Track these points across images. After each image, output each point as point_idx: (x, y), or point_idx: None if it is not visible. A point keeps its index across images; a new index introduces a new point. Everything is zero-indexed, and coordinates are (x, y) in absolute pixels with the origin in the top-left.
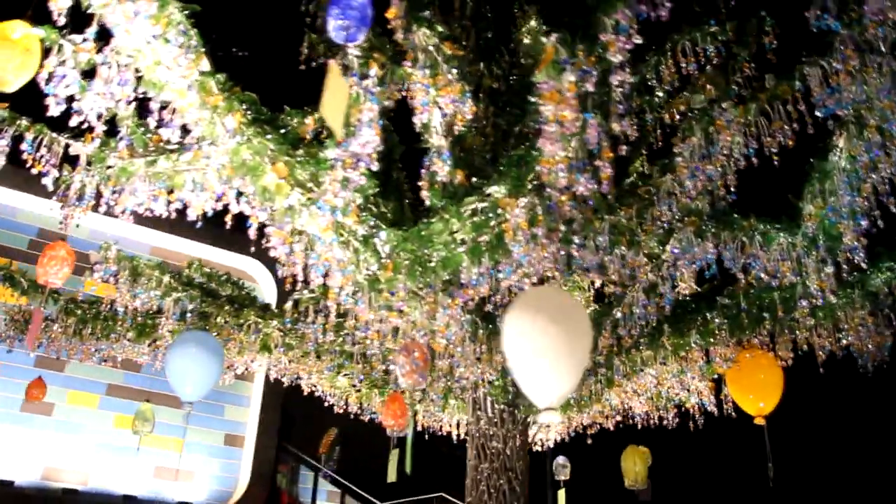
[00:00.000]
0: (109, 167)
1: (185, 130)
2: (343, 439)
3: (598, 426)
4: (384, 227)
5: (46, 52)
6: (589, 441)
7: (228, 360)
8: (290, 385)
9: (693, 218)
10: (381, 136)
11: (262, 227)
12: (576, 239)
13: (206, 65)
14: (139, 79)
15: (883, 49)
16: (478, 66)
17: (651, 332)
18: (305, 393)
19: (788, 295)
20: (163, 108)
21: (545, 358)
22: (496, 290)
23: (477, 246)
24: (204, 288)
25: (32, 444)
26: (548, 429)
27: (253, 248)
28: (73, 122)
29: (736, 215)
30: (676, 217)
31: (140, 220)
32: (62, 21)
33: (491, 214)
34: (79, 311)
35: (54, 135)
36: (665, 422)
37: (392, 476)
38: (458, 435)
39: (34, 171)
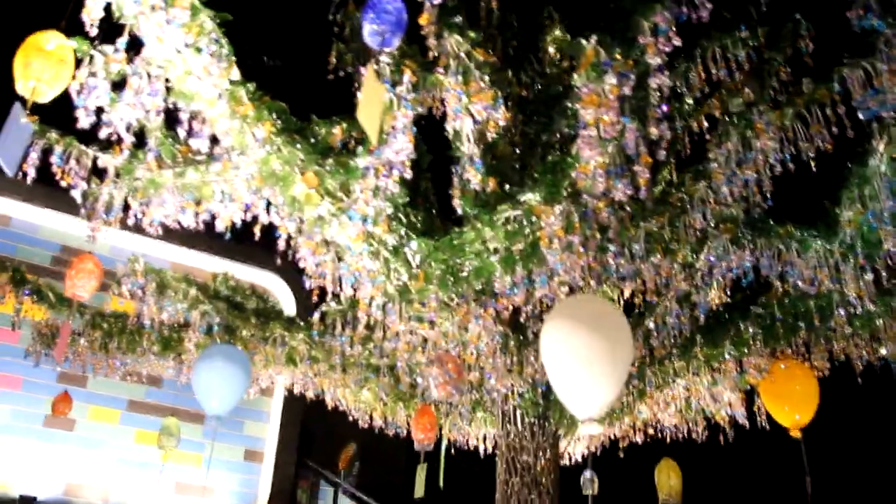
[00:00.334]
0: (137, 179)
1: (213, 141)
2: (363, 454)
3: (628, 439)
4: (414, 236)
5: (77, 64)
6: (620, 454)
7: (254, 374)
8: (310, 400)
9: (729, 225)
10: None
11: (282, 240)
12: (611, 247)
13: (236, 74)
14: (168, 90)
15: None
16: (506, 74)
17: (684, 342)
18: (330, 407)
19: (825, 303)
20: (192, 118)
21: (586, 367)
22: (528, 300)
23: (510, 254)
24: (230, 301)
25: (54, 460)
26: (578, 442)
27: (274, 262)
28: (102, 133)
29: (772, 222)
30: (711, 225)
31: (159, 235)
32: (94, 32)
33: (525, 222)
34: (105, 325)
35: (83, 147)
36: (694, 434)
37: (420, 491)
38: (486, 449)
39: (63, 183)
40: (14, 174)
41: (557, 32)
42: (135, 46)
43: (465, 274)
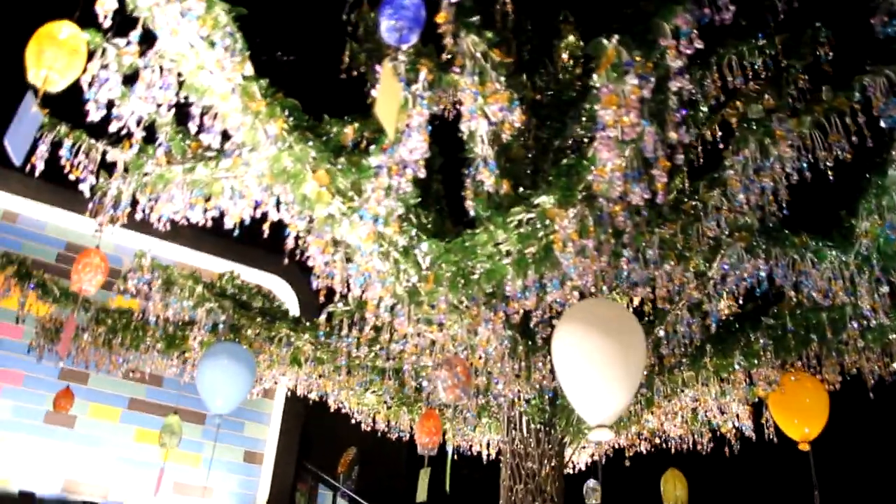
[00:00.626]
0: (146, 174)
1: (224, 136)
2: (363, 458)
3: (633, 449)
4: (425, 237)
5: (90, 56)
6: (627, 464)
7: (258, 374)
8: (310, 402)
9: (744, 233)
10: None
11: (287, 242)
12: (625, 252)
13: (249, 69)
14: (180, 84)
15: None
16: (520, 78)
17: (693, 352)
18: (332, 409)
19: (837, 316)
20: (203, 113)
21: (599, 372)
22: (539, 305)
23: (523, 257)
24: (236, 299)
25: (54, 457)
26: (583, 450)
27: (277, 265)
28: (113, 127)
29: (786, 231)
30: (725, 233)
31: (161, 234)
32: (108, 24)
33: (539, 225)
34: (109, 321)
35: (92, 141)
36: (699, 446)
37: (422, 496)
38: (489, 455)
39: (71, 177)
40: (21, 165)
41: (571, 38)
42: (147, 40)
43: (475, 276)
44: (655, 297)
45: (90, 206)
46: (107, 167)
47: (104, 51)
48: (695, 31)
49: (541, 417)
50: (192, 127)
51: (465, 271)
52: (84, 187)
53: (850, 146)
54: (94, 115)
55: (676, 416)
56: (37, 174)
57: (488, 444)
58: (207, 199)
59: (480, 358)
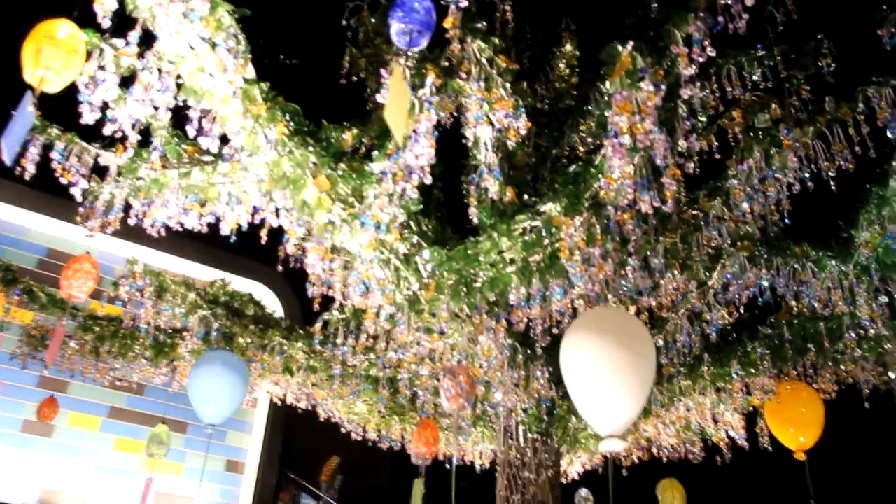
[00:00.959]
0: (140, 178)
1: (222, 141)
2: (345, 467)
3: (630, 459)
4: (426, 245)
5: (87, 57)
6: (624, 473)
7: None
8: (295, 411)
9: (746, 243)
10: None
11: (278, 251)
12: (630, 260)
13: (251, 72)
14: (178, 86)
15: None
16: (521, 85)
17: (691, 361)
18: (322, 419)
19: (835, 325)
20: (202, 117)
21: (610, 382)
22: (542, 314)
23: (527, 266)
24: (229, 307)
25: (32, 466)
26: (577, 459)
27: (264, 273)
28: (107, 130)
29: (788, 241)
30: (727, 242)
31: (142, 240)
32: (106, 23)
33: (544, 233)
34: (97, 328)
35: (84, 144)
36: (696, 455)
37: None
38: (482, 465)
39: (63, 180)
40: (11, 164)
41: (568, 47)
42: (145, 41)
43: (478, 284)
44: (653, 307)
45: (81, 210)
46: (99, 171)
47: (101, 51)
48: (707, 39)
49: (538, 427)
50: (189, 131)
51: (467, 279)
52: (76, 191)
53: (853, 156)
54: (89, 117)
55: (674, 424)
56: (27, 177)
57: (481, 454)
58: (203, 205)
59: (481, 367)
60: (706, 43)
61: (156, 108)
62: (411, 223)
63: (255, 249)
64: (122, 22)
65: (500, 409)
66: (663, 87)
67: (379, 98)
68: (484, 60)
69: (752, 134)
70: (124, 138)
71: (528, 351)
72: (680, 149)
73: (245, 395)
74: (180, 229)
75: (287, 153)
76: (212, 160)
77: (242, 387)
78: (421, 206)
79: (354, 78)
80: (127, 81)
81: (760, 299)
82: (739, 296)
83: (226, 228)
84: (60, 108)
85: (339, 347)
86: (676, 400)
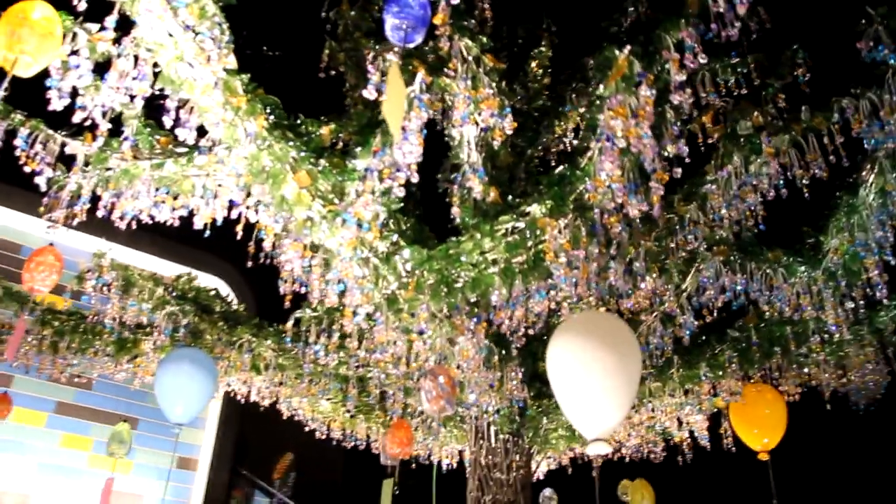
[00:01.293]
0: (108, 169)
1: (198, 133)
2: (299, 465)
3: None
4: (406, 244)
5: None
6: (594, 474)
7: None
8: (253, 408)
9: (722, 247)
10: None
11: (234, 243)
12: (612, 263)
13: (233, 62)
14: (156, 75)
15: None
16: (502, 84)
17: (661, 363)
18: (276, 415)
19: (801, 329)
20: (179, 107)
21: (598, 385)
22: (512, 315)
23: (510, 267)
24: (198, 303)
25: None
26: (545, 460)
27: (213, 264)
28: (77, 118)
29: (761, 247)
30: (703, 247)
31: (97, 232)
32: (82, 6)
33: (528, 234)
34: (56, 323)
35: (50, 132)
36: (653, 455)
37: None
38: (451, 465)
39: (27, 168)
40: None
41: (542, 48)
42: (121, 26)
43: (459, 285)
44: (626, 309)
45: (45, 200)
46: (64, 160)
47: (75, 35)
48: (699, 45)
49: (509, 428)
50: (166, 121)
51: (448, 279)
52: (40, 180)
53: (827, 165)
54: (57, 103)
55: (641, 426)
56: None
57: (449, 454)
58: (175, 198)
59: (458, 368)
60: (698, 49)
61: (132, 98)
62: (390, 222)
63: (208, 240)
64: (98, 5)
65: (474, 409)
66: (653, 91)
67: (366, 93)
68: (471, 59)
69: (732, 140)
70: (94, 127)
71: (503, 352)
72: (667, 153)
73: (214, 394)
74: (140, 221)
75: (267, 147)
76: (186, 152)
77: (211, 385)
78: (402, 204)
79: (333, 72)
80: (99, 68)
81: (735, 303)
82: (714, 300)
83: (199, 223)
84: (23, 93)
85: (312, 346)
86: (646, 401)
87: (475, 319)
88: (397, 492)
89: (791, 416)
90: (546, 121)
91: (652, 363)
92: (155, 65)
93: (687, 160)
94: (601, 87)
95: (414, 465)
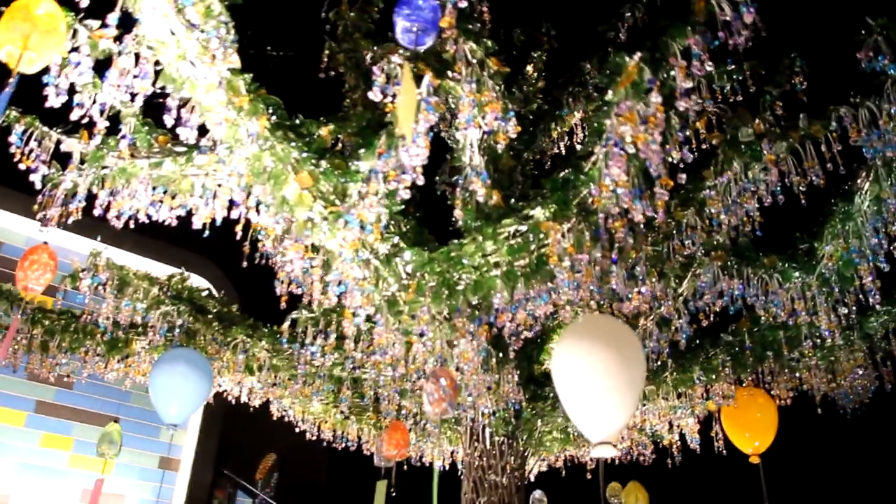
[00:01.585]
0: (105, 167)
1: (199, 132)
2: (281, 465)
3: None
4: (407, 246)
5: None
6: (588, 476)
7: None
8: (242, 408)
9: (720, 252)
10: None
11: (218, 242)
12: (614, 268)
13: (236, 61)
14: (157, 73)
15: None
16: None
17: (656, 366)
18: (259, 415)
19: (793, 334)
20: (180, 106)
21: (603, 389)
22: (514, 318)
23: (512, 270)
24: (193, 303)
25: None
26: (541, 462)
27: (197, 264)
28: (74, 116)
29: (757, 252)
30: (700, 252)
31: (75, 229)
32: (84, 3)
33: (531, 238)
34: (46, 322)
35: (45, 129)
36: (643, 458)
37: None
38: (443, 466)
39: (22, 166)
40: None
41: (538, 52)
42: (123, 24)
43: (461, 288)
44: (624, 313)
45: (39, 198)
46: (59, 158)
47: (75, 32)
48: (706, 53)
49: (504, 430)
50: (164, 120)
51: (449, 282)
52: (35, 178)
53: (824, 172)
54: (55, 100)
55: (634, 428)
56: None
57: (441, 456)
58: (173, 197)
59: (457, 370)
60: (704, 57)
61: (132, 96)
62: (391, 223)
63: (189, 239)
64: (99, 1)
65: (472, 411)
66: (660, 98)
67: (371, 95)
68: (475, 62)
69: (733, 147)
70: (91, 124)
71: (500, 354)
72: (672, 159)
73: (209, 395)
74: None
75: (269, 148)
76: (185, 151)
77: (206, 386)
78: (403, 206)
79: (332, 73)
80: (98, 66)
81: (732, 308)
82: (712, 304)
83: (198, 222)
84: (17, 89)
85: (308, 347)
86: (641, 405)
87: (476, 322)
88: (394, 493)
89: (782, 419)
90: (542, 124)
91: (647, 367)
92: (156, 63)
93: (681, 165)
94: (609, 92)
95: (405, 467)
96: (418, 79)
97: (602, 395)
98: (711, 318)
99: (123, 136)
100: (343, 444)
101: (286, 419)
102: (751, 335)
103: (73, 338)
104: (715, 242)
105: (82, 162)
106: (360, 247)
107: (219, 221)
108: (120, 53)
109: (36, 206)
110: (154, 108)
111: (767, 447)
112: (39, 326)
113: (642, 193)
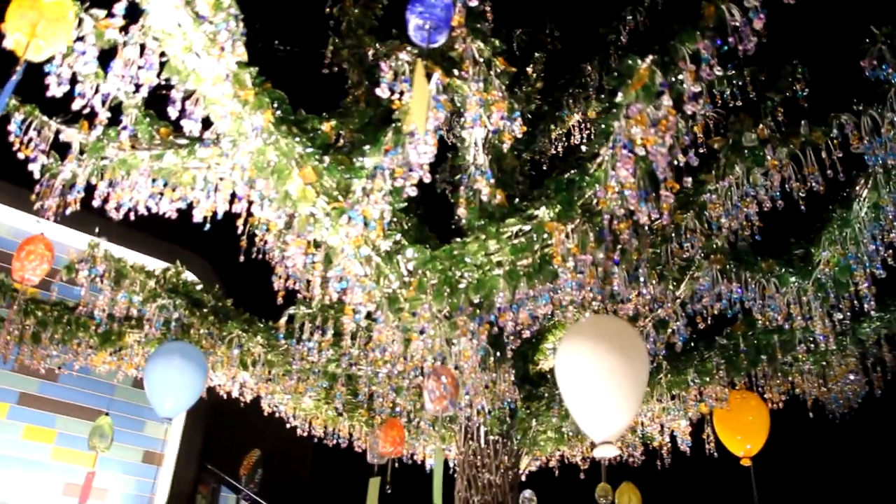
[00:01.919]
0: (104, 158)
1: (203, 125)
2: (266, 461)
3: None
4: (409, 243)
5: None
6: (582, 476)
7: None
8: (229, 404)
9: (719, 256)
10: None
11: (205, 236)
12: (616, 270)
13: (243, 55)
14: (162, 65)
15: None
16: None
17: (651, 368)
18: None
19: (787, 338)
20: (185, 98)
21: (607, 389)
22: (517, 317)
23: (514, 270)
24: (190, 296)
25: None
26: (535, 461)
27: (185, 258)
28: (76, 106)
29: (755, 257)
30: (699, 255)
31: (69, 223)
32: None
33: (534, 237)
34: (39, 313)
35: (45, 118)
36: (632, 459)
37: None
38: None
39: (21, 155)
40: None
41: (539, 53)
42: (129, 14)
43: (462, 286)
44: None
45: (36, 188)
46: (58, 148)
47: (81, 21)
48: (714, 58)
49: (499, 429)
50: (168, 111)
51: (451, 280)
52: (34, 167)
53: (824, 178)
54: (56, 90)
55: (626, 429)
56: None
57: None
58: (174, 190)
59: (456, 368)
60: (713, 62)
61: (137, 87)
62: (393, 221)
63: (176, 232)
64: None
65: (469, 410)
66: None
67: (379, 92)
68: (482, 61)
69: (735, 152)
70: (93, 115)
71: (498, 353)
72: (678, 163)
73: (204, 389)
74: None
75: (273, 142)
76: (187, 144)
77: (202, 380)
78: (405, 203)
79: (335, 69)
80: (103, 56)
81: (730, 311)
82: (710, 307)
83: (198, 216)
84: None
85: (305, 343)
86: None
87: (477, 321)
88: (389, 490)
89: (774, 423)
90: (542, 125)
91: None
92: (161, 54)
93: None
94: (620, 94)
95: (397, 465)
96: (428, 76)
97: (606, 395)
98: (707, 321)
99: (125, 127)
100: (334, 441)
101: (275, 415)
102: (745, 339)
103: (66, 329)
104: (714, 246)
105: (82, 152)
106: (363, 243)
107: (220, 215)
108: (125, 44)
109: (33, 197)
110: (156, 99)
111: (759, 450)
112: (32, 317)
113: (648, 196)
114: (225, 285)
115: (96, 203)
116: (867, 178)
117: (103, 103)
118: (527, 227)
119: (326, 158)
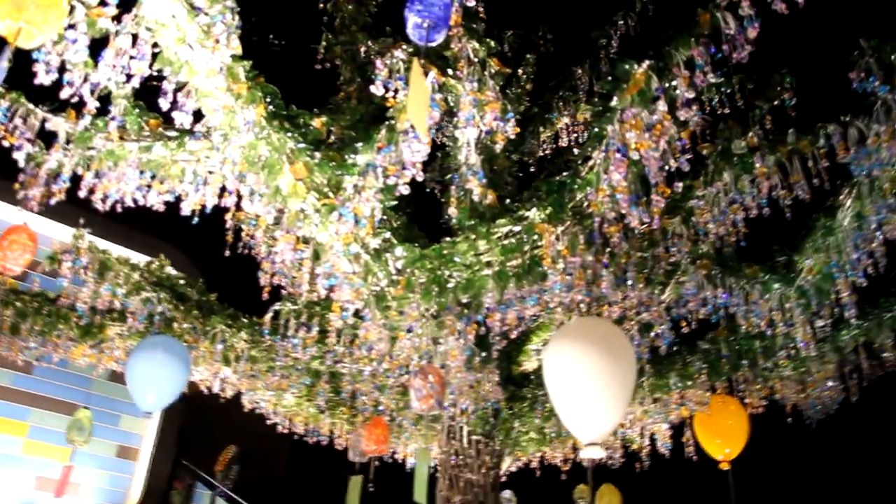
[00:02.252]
0: (91, 148)
1: (195, 117)
2: (242, 457)
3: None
4: (398, 241)
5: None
6: (563, 477)
7: None
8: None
9: (705, 261)
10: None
11: (183, 228)
12: (604, 272)
13: (238, 48)
14: (154, 56)
15: None
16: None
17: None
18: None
19: (769, 344)
20: (176, 90)
21: (595, 391)
22: (503, 318)
23: (503, 270)
24: (174, 290)
25: None
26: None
27: (156, 248)
28: (64, 94)
29: (740, 263)
30: (686, 259)
31: (43, 213)
32: None
33: (524, 238)
34: (18, 304)
35: (31, 106)
36: (611, 461)
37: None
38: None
39: (6, 143)
40: None
41: (531, 55)
42: (122, 3)
43: (451, 285)
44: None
45: (21, 177)
46: (45, 137)
47: (73, 9)
48: (709, 65)
49: (482, 429)
50: (159, 103)
51: (440, 279)
52: (19, 156)
53: (810, 187)
54: (44, 77)
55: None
56: None
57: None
58: (161, 182)
59: (442, 367)
60: (707, 69)
61: (128, 77)
62: (383, 219)
63: (152, 223)
64: None
65: (452, 409)
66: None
67: (373, 89)
68: (477, 61)
69: (725, 158)
70: (80, 104)
71: (484, 353)
72: (669, 167)
73: (186, 383)
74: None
75: (265, 137)
76: (177, 136)
77: (184, 374)
78: (396, 201)
79: (328, 65)
80: (93, 44)
81: (714, 316)
82: (695, 311)
83: (186, 209)
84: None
85: (290, 339)
86: None
87: (465, 320)
88: (372, 488)
89: (753, 427)
90: (531, 126)
91: None
92: (154, 45)
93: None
94: (615, 98)
95: (377, 463)
96: (424, 75)
97: (593, 397)
98: (691, 326)
99: (113, 118)
100: (314, 439)
101: (256, 411)
102: (727, 344)
103: (46, 321)
104: (700, 251)
105: (68, 142)
106: (353, 240)
107: (209, 209)
108: (118, 33)
109: (17, 185)
110: (146, 91)
111: (738, 454)
112: (11, 308)
113: (639, 199)
114: (206, 281)
115: (82, 194)
116: (852, 187)
117: (92, 93)
118: (517, 228)
119: (318, 154)
